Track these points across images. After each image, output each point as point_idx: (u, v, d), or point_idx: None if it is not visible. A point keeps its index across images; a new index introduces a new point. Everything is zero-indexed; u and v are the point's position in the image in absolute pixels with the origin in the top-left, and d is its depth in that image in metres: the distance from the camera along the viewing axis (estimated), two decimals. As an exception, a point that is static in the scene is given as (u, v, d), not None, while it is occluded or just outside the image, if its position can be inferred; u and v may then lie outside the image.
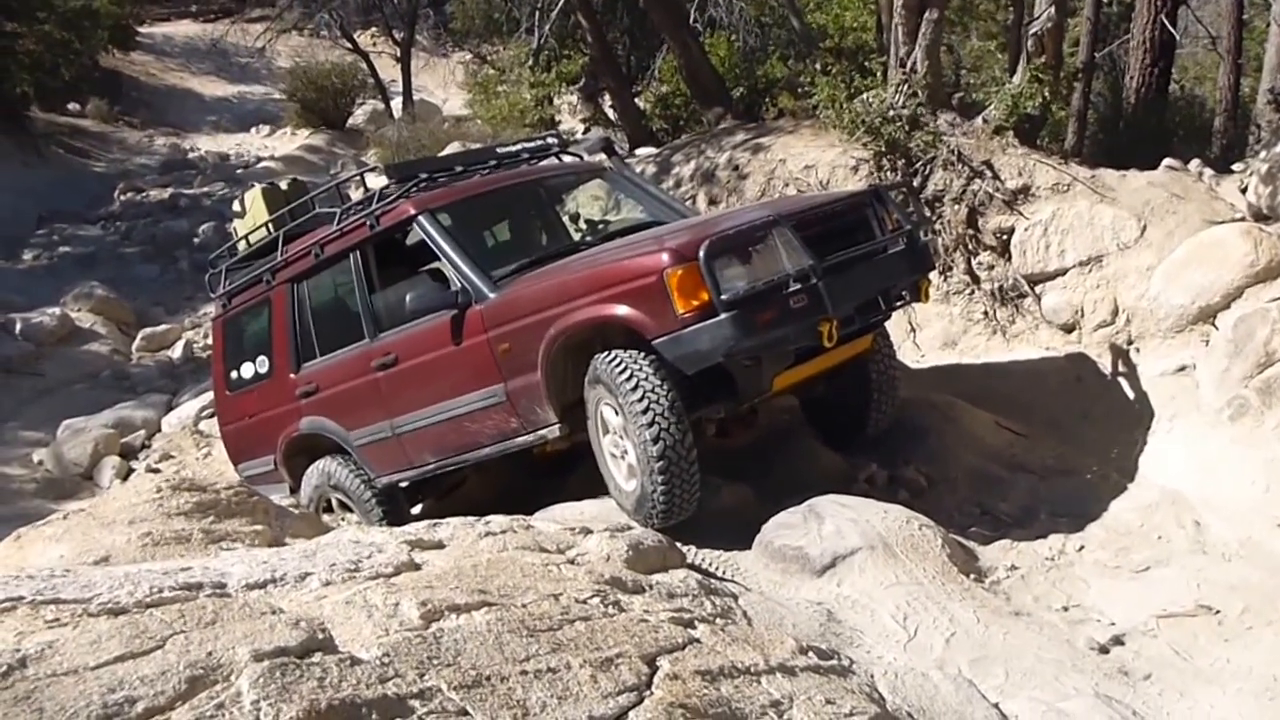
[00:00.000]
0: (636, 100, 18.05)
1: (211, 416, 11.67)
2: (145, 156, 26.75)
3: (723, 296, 6.24)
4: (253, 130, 29.28)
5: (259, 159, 26.14)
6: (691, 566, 6.01)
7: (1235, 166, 10.98)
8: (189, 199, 22.64)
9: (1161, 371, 8.56)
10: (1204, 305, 8.55)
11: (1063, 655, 5.59)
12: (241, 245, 9.26)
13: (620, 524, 6.34)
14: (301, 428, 8.58)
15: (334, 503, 8.57)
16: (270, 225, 8.88)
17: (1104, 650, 5.75)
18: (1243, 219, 9.25)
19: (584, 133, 18.87)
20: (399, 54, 29.08)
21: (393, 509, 8.30)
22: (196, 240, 20.07)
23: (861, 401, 8.02)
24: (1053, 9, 11.19)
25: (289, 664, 3.33)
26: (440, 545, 5.20)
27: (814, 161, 11.20)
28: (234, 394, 9.26)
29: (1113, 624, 6.05)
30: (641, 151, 14.76)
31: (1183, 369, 8.47)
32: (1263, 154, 9.97)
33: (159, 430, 13.41)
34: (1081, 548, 7.02)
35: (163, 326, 16.74)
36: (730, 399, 7.04)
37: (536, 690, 3.58)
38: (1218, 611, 6.01)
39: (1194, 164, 10.81)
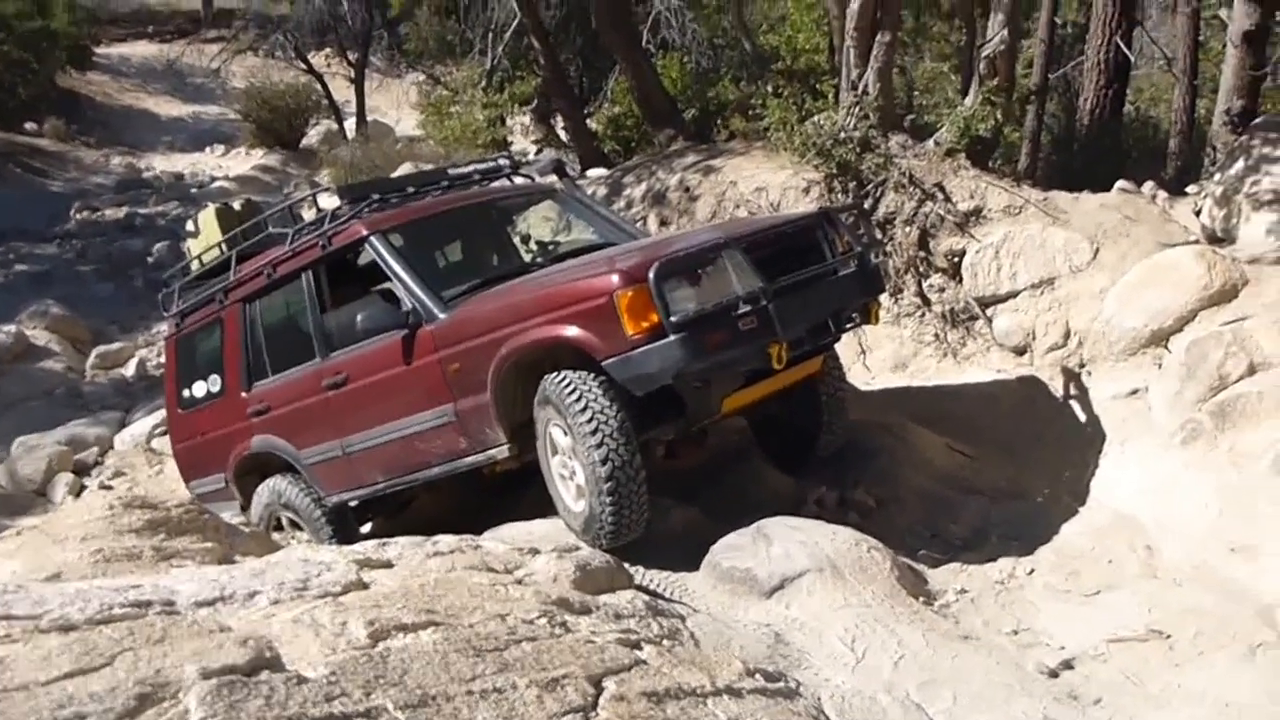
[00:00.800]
0: (588, 121, 18.13)
1: (164, 434, 11.64)
2: (101, 176, 26.62)
3: (672, 318, 6.30)
4: (207, 150, 29.18)
5: (213, 179, 26.05)
6: (639, 587, 6.06)
7: (1189, 189, 11.14)
8: (144, 218, 22.56)
9: (1114, 394, 8.64)
10: (1157, 328, 8.67)
11: (1012, 679, 5.63)
12: (195, 264, 9.29)
13: (568, 544, 6.38)
14: (252, 446, 8.61)
15: (284, 521, 8.60)
16: (223, 245, 8.93)
17: (1054, 674, 5.81)
18: (1196, 242, 9.40)
19: (536, 154, 18.97)
20: (353, 75, 29.06)
21: (342, 528, 8.34)
22: (151, 259, 20.02)
23: (811, 423, 8.10)
24: (1005, 31, 11.33)
25: (236, 682, 3.38)
26: (388, 564, 5.24)
27: (765, 183, 11.28)
28: (186, 412, 9.29)
29: (1063, 648, 6.10)
30: (593, 173, 14.85)
31: (1135, 392, 8.56)
32: (1217, 176, 10.12)
33: (112, 447, 13.40)
34: (1032, 571, 7.07)
35: (117, 344, 16.68)
36: (679, 420, 7.10)
37: (482, 710, 3.63)
38: (1169, 636, 6.06)
39: (1148, 186, 10.96)
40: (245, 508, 8.85)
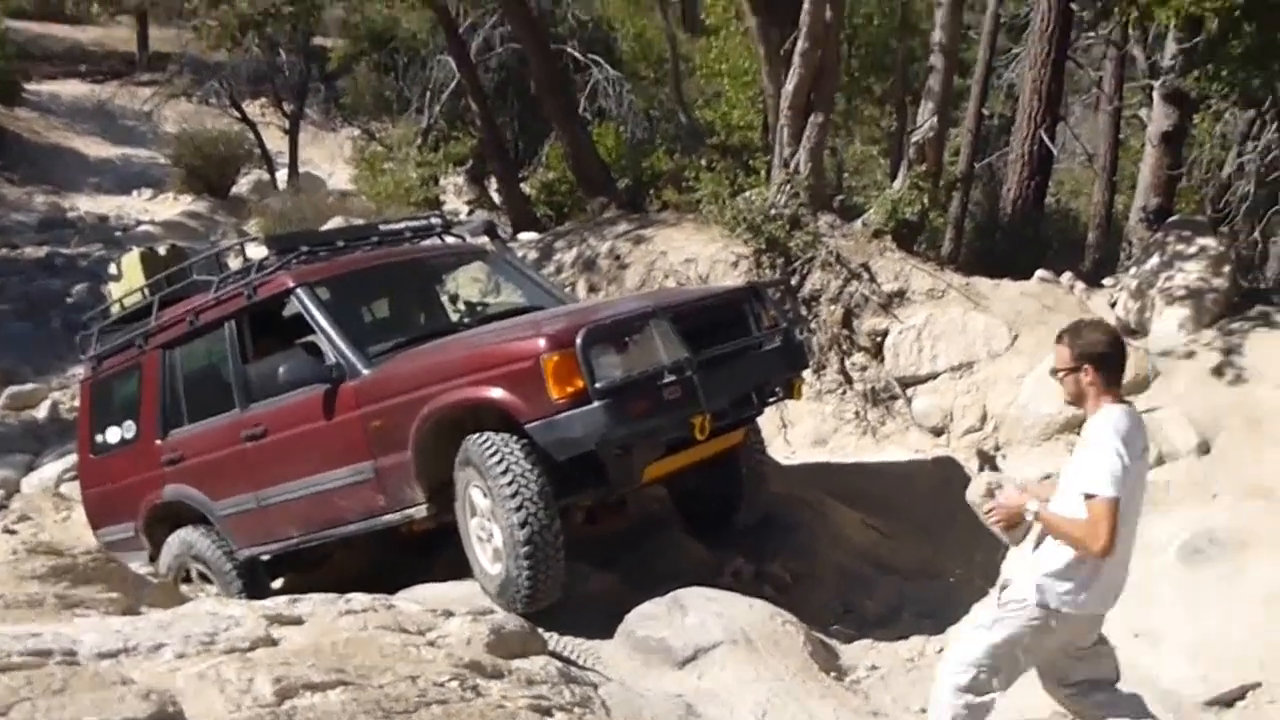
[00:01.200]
0: (522, 185, 18.20)
1: (74, 479, 11.39)
2: (23, 214, 26.16)
3: (597, 385, 6.32)
4: (134, 193, 28.80)
5: (139, 222, 25.70)
6: (553, 654, 6.01)
7: (1106, 281, 11.39)
8: (65, 259, 22.16)
9: (1027, 478, 8.76)
10: (1071, 415, 8.77)
11: (919, 757, 5.67)
12: (116, 308, 9.17)
13: (483, 607, 6.33)
14: (165, 495, 8.45)
15: (194, 573, 8.43)
16: (146, 289, 8.81)
17: (962, 753, 5.83)
18: (1111, 332, 9.59)
19: (468, 214, 18.99)
20: (287, 126, 28.97)
21: (253, 582, 8.19)
22: (70, 300, 19.64)
23: (731, 495, 8.12)
24: (935, 119, 11.58)
25: (136, 736, 3.31)
26: (299, 621, 5.17)
27: (695, 255, 11.37)
28: (98, 458, 9.12)
29: (969, 727, 6.13)
30: (524, 236, 14.88)
31: (1048, 476, 8.65)
32: (1133, 270, 10.36)
33: (18, 490, 13.03)
34: (941, 649, 7.09)
35: (30, 386, 16.30)
36: (600, 487, 7.08)
37: (388, 772, 3.59)
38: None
39: (1066, 276, 11.19)
40: (154, 558, 8.66)
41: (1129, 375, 8.51)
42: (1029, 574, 4.75)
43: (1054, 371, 4.89)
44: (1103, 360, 4.71)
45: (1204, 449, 8.07)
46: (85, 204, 27.33)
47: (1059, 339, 4.79)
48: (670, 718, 5.61)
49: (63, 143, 30.99)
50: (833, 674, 6.54)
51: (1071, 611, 4.75)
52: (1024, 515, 4.76)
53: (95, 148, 31.23)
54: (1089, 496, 4.53)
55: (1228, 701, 6.37)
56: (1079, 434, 8.32)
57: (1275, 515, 7.42)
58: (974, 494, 4.95)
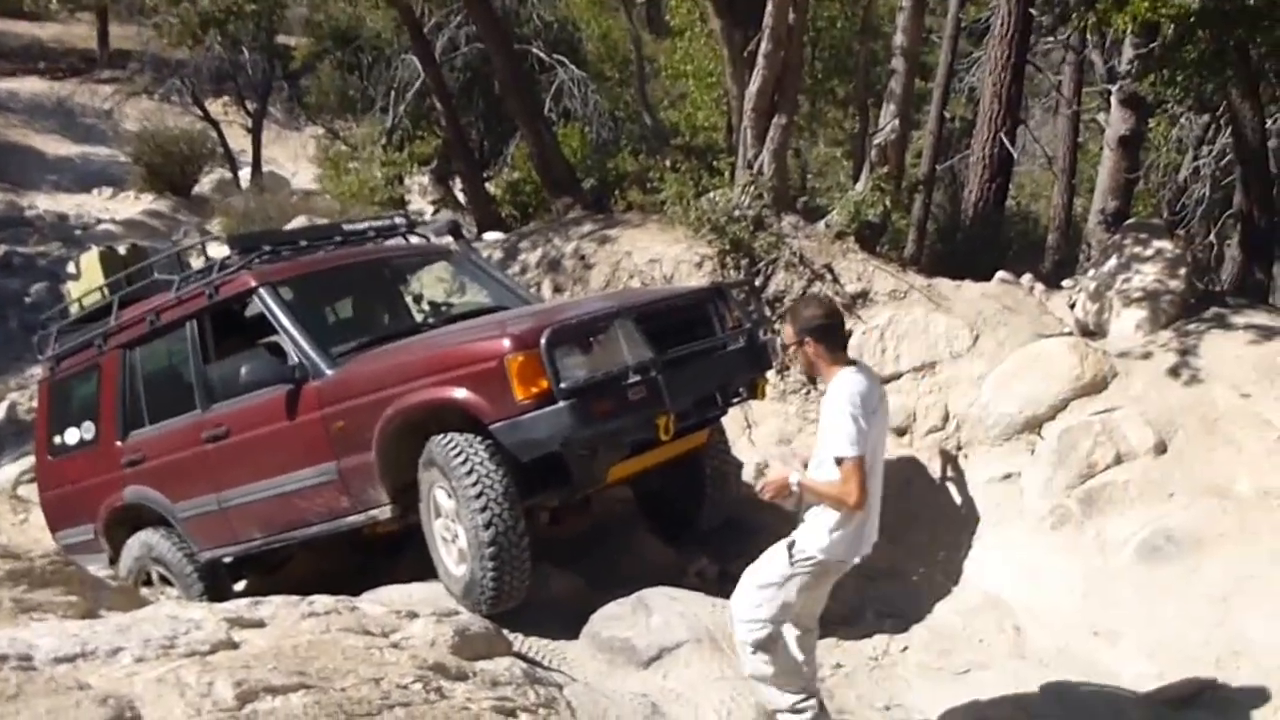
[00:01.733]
0: (487, 185, 18.14)
1: (31, 481, 11.26)
2: (-20, 213, 25.89)
3: (562, 385, 6.30)
4: (95, 192, 28.49)
5: (99, 221, 25.43)
6: (517, 655, 5.99)
7: (1065, 283, 11.43)
8: (23, 258, 21.91)
9: (989, 478, 8.79)
10: (1031, 415, 8.85)
11: (882, 755, 5.69)
12: (75, 308, 9.08)
13: (447, 609, 6.29)
14: (125, 497, 8.36)
15: (154, 576, 8.36)
16: (105, 289, 8.72)
17: (923, 752, 5.88)
18: (1070, 334, 9.65)
19: (433, 214, 18.90)
20: (250, 124, 28.80)
21: (215, 585, 8.12)
22: (28, 300, 19.45)
23: (695, 495, 8.13)
24: (897, 121, 11.60)
25: (93, 742, 3.25)
26: (261, 624, 5.12)
27: (659, 256, 11.35)
28: (56, 459, 9.02)
29: (932, 724, 6.14)
30: (489, 236, 14.79)
31: (1009, 476, 8.72)
32: (1091, 272, 10.41)
33: (-25, 493, 12.89)
34: (905, 648, 7.16)
35: (-15, 386, 16.14)
36: (564, 488, 7.06)
37: (351, 776, 3.55)
38: (1036, 717, 6.18)
39: (1026, 278, 11.23)
40: (114, 561, 8.59)
41: (1088, 375, 8.65)
42: (810, 532, 5.24)
43: (784, 348, 5.40)
44: (822, 332, 5.24)
45: (1161, 449, 8.13)
46: (44, 202, 27.00)
47: (782, 319, 5.13)
48: (635, 717, 5.61)
49: (21, 141, 30.62)
50: (797, 673, 6.52)
51: (842, 560, 5.31)
52: (790, 487, 5.23)
53: (54, 145, 30.88)
54: (838, 460, 5.06)
55: (1185, 698, 6.43)
56: (1040, 434, 8.51)
57: (1231, 514, 7.49)
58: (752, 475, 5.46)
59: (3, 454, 13.90)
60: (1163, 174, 16.43)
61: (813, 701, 5.46)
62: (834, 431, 5.08)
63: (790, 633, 5.54)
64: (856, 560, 5.39)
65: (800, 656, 5.56)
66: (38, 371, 11.61)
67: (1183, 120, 15.10)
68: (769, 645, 5.35)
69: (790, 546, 5.29)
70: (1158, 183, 17.03)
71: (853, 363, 5.32)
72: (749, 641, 5.36)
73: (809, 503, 5.27)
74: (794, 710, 5.42)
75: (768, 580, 5.35)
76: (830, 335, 5.26)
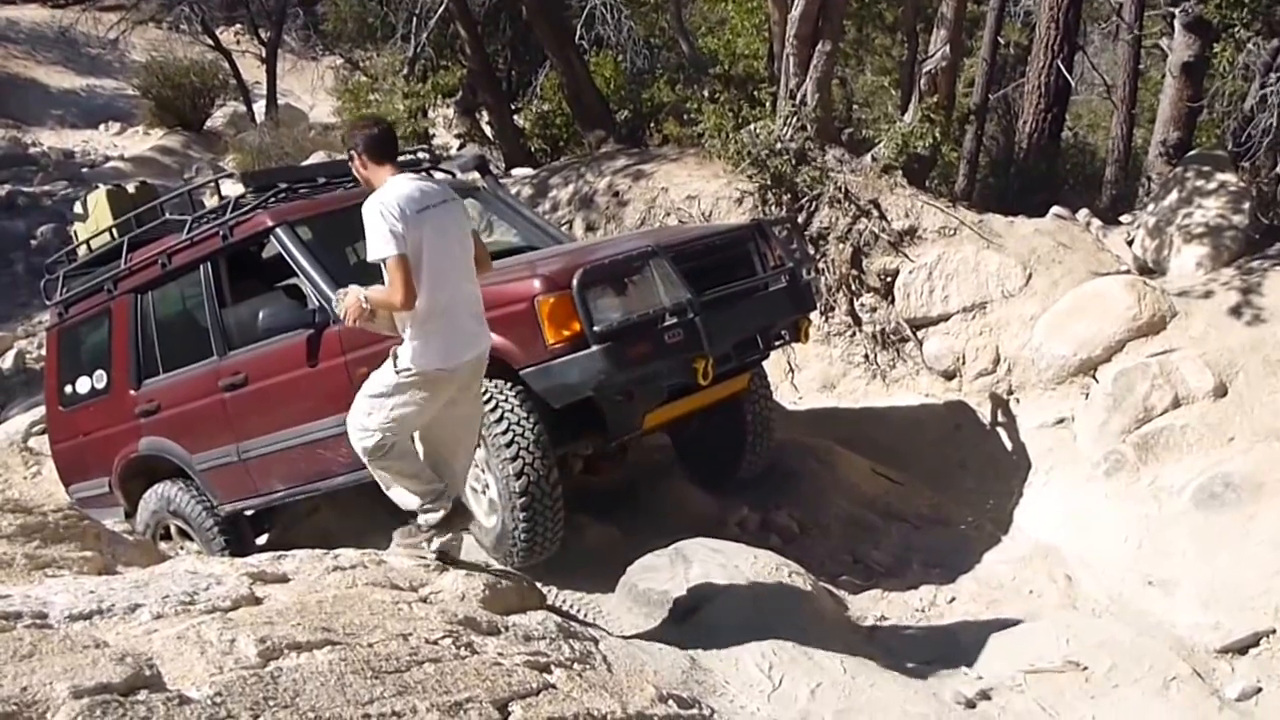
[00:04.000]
0: (515, 118, 18.04)
1: (42, 433, 11.34)
2: (-20, 150, 25.96)
3: (595, 328, 6.29)
4: (101, 127, 28.47)
5: (106, 158, 25.43)
6: (551, 608, 6.01)
7: (1123, 218, 11.36)
8: (27, 197, 21.94)
9: (1040, 423, 8.80)
10: (1085, 357, 8.82)
11: (929, 709, 5.70)
12: (82, 250, 9.05)
13: (478, 561, 6.33)
14: (140, 449, 8.40)
15: (172, 530, 8.41)
16: (114, 230, 8.69)
17: (970, 705, 5.89)
18: (1128, 272, 9.58)
19: (458, 149, 18.82)
20: (264, 55, 28.58)
21: (236, 538, 8.17)
22: (34, 242, 19.49)
23: (735, 443, 8.12)
24: (947, 48, 11.47)
25: (111, 702, 3.26)
26: (284, 579, 5.15)
27: (697, 192, 11.31)
28: (68, 410, 9.06)
29: (980, 678, 6.19)
30: (518, 172, 14.76)
31: (1061, 421, 8.72)
32: (1151, 207, 10.33)
33: (-16, 446, 13.01)
34: (952, 599, 7.18)
35: (-8, 335, 16.27)
36: (599, 435, 7.09)
37: (379, 735, 3.57)
38: (1085, 668, 6.17)
39: (1082, 214, 11.16)
40: (130, 514, 8.63)
41: (1145, 316, 8.58)
42: (403, 345, 5.61)
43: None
44: (365, 144, 5.68)
45: (1220, 392, 8.08)
46: (48, 139, 27.04)
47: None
48: (674, 672, 5.61)
49: (22, 73, 30.59)
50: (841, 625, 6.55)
51: (439, 368, 5.58)
52: (362, 304, 5.60)
53: (58, 78, 30.84)
54: (383, 265, 5.47)
55: (1241, 649, 6.48)
56: (1094, 377, 8.48)
57: (1293, 459, 7.44)
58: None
59: (11, 405, 14.02)
60: (1228, 103, 16.12)
61: (441, 502, 5.77)
62: (369, 237, 5.47)
63: (418, 446, 5.86)
64: (442, 366, 5.61)
65: (426, 468, 5.87)
66: (46, 318, 11.69)
67: (1250, 45, 14.81)
68: (381, 453, 5.68)
69: (395, 359, 5.65)
70: (1222, 112, 16.70)
71: (406, 171, 5.82)
72: (360, 448, 5.75)
73: (400, 319, 5.63)
74: (422, 510, 5.79)
75: (376, 391, 5.69)
76: (372, 145, 5.69)
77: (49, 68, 31.20)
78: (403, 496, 5.86)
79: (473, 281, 5.78)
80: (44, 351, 11.88)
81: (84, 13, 30.39)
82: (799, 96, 11.19)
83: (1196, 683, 6.03)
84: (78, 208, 9.40)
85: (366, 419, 5.68)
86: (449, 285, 5.61)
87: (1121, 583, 7.21)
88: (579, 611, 6.52)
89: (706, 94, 13.32)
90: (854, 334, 10.33)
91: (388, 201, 5.49)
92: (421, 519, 5.85)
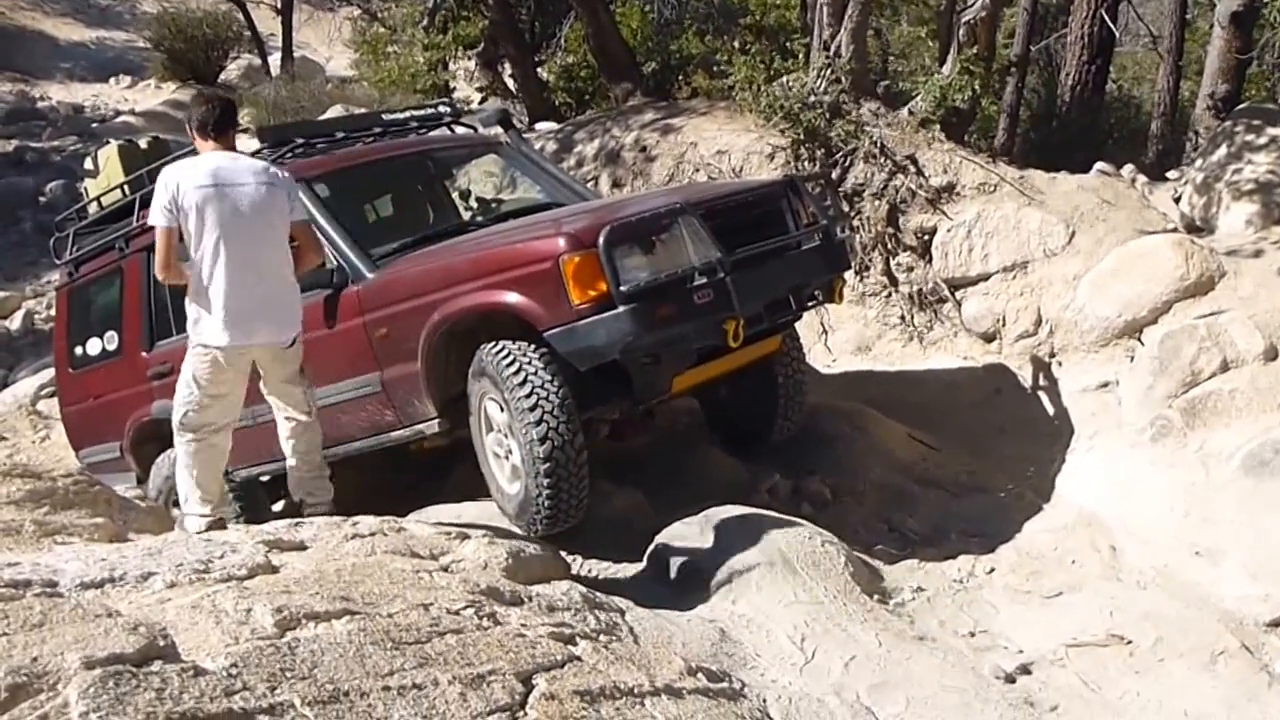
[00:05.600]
0: (539, 70, 17.99)
1: (52, 396, 11.42)
2: (-12, 105, 26.06)
3: (622, 288, 6.24)
4: (112, 81, 28.55)
5: (117, 113, 25.52)
6: (576, 578, 6.03)
7: (1170, 174, 11.27)
8: (36, 153, 22.03)
9: (1083, 387, 8.74)
10: (1130, 319, 8.75)
11: (967, 683, 5.67)
12: (93, 207, 9.08)
13: (501, 529, 6.34)
14: (153, 412, 8.38)
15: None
16: (126, 187, 8.68)
17: (1010, 679, 5.85)
18: (1175, 230, 9.50)
19: (480, 102, 18.74)
20: (279, 6, 28.63)
21: (251, 505, 8.16)
22: (43, 199, 19.59)
23: (767, 407, 8.09)
24: (987, -4, 11.37)
25: (124, 673, 3.27)
26: (302, 547, 5.16)
27: (727, 146, 11.26)
28: (78, 372, 9.09)
29: (1020, 651, 6.15)
30: (542, 126, 14.72)
31: (1105, 385, 8.66)
32: (1199, 163, 10.24)
33: (-9, 409, 13.09)
34: (992, 570, 7.14)
35: (1, 294, 16.33)
36: (626, 399, 7.06)
37: (399, 708, 3.57)
38: (1129, 642, 6.14)
39: (1127, 169, 11.07)
40: (142, 480, 8.64)
41: (1193, 275, 8.50)
42: None
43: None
44: (194, 120, 6.28)
45: (1271, 354, 8.00)
46: (57, 93, 27.13)
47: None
48: (703, 644, 5.61)
49: (30, 25, 30.67)
50: (876, 596, 6.55)
51: (220, 346, 6.09)
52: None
53: (67, 30, 30.92)
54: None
55: (1293, 621, 6.38)
56: (1140, 339, 8.43)
57: (1349, 424, 7.38)
58: None
59: (20, 366, 14.11)
60: (1278, 54, 16.03)
61: (210, 519, 6.25)
62: (151, 209, 6.10)
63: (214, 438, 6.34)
64: (243, 345, 6.13)
65: (221, 487, 6.56)
66: (55, 277, 11.72)
67: (1303, -6, 14.68)
68: (185, 423, 6.23)
69: None
70: (1272, 64, 16.62)
71: (223, 148, 6.26)
72: (174, 418, 6.28)
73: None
74: (187, 511, 6.34)
75: (184, 365, 6.26)
76: (201, 124, 6.24)
77: (57, 19, 31.27)
78: (186, 485, 6.36)
79: (274, 267, 6.17)
80: (53, 312, 11.95)
81: (94, -39, 30.46)
82: (833, 48, 11.12)
83: (1245, 657, 5.98)
84: (88, 163, 9.41)
85: (179, 391, 6.24)
86: (230, 264, 6.03)
87: (1167, 553, 7.15)
88: (605, 581, 6.50)
89: (737, 45, 13.28)
90: (890, 294, 10.29)
91: (168, 176, 6.08)
92: (186, 521, 6.33)
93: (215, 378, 6.19)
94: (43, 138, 23.21)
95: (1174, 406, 8.01)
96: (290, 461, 6.74)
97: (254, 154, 7.87)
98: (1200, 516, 7.33)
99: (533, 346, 6.50)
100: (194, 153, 6.62)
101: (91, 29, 31.26)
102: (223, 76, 27.84)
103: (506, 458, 6.79)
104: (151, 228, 6.32)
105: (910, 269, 10.23)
